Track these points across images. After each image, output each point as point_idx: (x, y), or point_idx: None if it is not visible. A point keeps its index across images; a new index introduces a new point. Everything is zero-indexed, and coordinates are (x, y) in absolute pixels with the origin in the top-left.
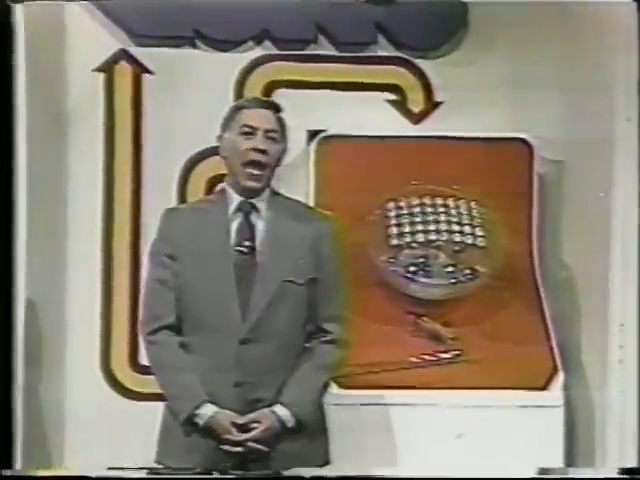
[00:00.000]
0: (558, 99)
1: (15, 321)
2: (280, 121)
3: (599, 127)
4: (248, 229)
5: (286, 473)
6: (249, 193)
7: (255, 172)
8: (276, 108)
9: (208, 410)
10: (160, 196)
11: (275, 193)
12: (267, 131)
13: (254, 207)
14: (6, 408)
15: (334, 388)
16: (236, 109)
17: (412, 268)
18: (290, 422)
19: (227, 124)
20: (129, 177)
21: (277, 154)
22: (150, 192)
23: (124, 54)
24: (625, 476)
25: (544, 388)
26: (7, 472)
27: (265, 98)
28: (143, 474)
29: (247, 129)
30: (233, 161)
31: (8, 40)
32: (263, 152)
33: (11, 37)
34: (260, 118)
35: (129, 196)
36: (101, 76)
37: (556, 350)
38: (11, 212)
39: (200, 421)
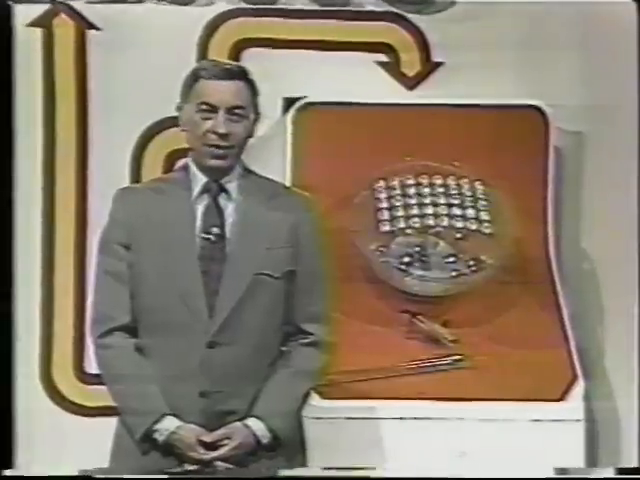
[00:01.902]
0: (576, 60)
1: None
2: (250, 89)
3: (623, 93)
4: (216, 213)
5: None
6: (215, 173)
7: (219, 151)
8: (242, 75)
9: (169, 424)
10: (111, 174)
11: (247, 171)
12: (230, 109)
13: (223, 189)
14: (7, 408)
15: (315, 399)
16: (194, 76)
17: (406, 259)
18: (265, 438)
19: (186, 93)
20: (73, 152)
21: (244, 132)
22: (99, 169)
23: (64, 6)
24: (625, 476)
25: (561, 399)
26: (7, 472)
27: (228, 63)
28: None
29: (206, 107)
30: (194, 139)
31: (8, 40)
32: (225, 136)
33: (11, 37)
34: (221, 94)
35: (74, 175)
36: (38, 32)
37: (575, 355)
38: None
39: (160, 437)
